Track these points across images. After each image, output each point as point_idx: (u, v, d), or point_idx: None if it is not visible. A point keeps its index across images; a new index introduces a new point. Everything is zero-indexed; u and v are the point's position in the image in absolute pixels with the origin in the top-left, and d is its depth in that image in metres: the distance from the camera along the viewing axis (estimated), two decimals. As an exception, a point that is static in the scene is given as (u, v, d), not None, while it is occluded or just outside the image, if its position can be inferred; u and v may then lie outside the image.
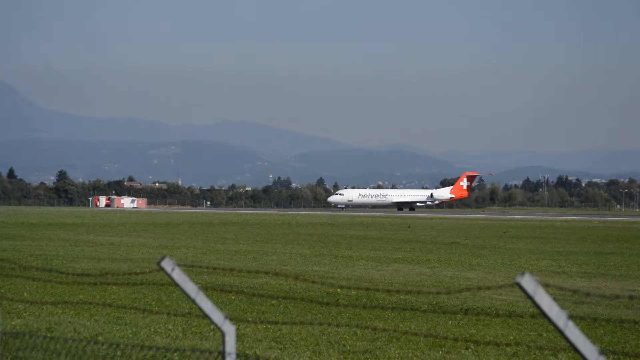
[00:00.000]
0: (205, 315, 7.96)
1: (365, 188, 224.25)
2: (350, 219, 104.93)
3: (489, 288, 7.69)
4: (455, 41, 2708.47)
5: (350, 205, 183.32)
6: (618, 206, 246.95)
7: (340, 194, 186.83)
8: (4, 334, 14.34)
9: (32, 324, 17.58)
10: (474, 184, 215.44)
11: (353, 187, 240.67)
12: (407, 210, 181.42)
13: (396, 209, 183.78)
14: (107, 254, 37.52)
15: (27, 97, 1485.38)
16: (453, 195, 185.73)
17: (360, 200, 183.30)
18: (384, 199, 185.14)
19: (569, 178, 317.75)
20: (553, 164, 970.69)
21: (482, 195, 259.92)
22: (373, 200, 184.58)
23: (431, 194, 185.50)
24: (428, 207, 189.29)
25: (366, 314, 19.61)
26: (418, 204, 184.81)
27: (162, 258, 7.88)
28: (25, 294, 22.39)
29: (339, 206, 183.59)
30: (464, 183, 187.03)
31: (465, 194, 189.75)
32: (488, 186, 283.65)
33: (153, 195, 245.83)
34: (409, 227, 74.25)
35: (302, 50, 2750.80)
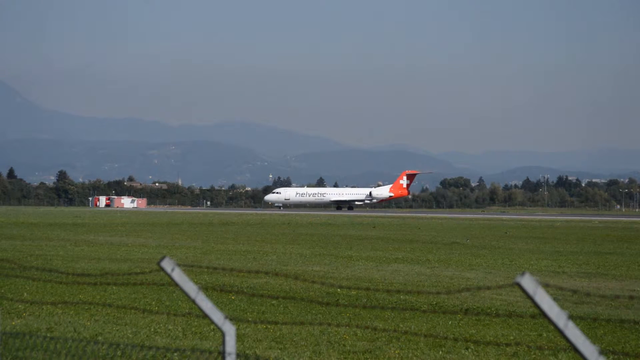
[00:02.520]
0: (205, 315, 7.96)
1: (362, 187, 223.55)
2: (349, 219, 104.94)
3: (489, 288, 7.68)
4: (456, 40, 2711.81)
5: (287, 204, 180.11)
6: (618, 206, 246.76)
7: (277, 193, 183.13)
8: (4, 334, 14.33)
9: (32, 324, 17.58)
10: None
11: (353, 187, 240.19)
12: (346, 209, 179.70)
13: (335, 208, 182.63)
14: (107, 254, 37.51)
15: (27, 97, 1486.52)
16: (392, 194, 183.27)
17: (298, 199, 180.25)
18: (322, 197, 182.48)
19: (569, 178, 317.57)
20: (553, 164, 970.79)
21: (482, 195, 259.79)
22: (311, 199, 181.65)
23: (370, 193, 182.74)
24: (367, 205, 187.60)
25: (366, 314, 19.60)
26: (357, 202, 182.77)
27: (162, 258, 7.87)
28: (25, 294, 22.39)
29: (276, 205, 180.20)
30: (403, 181, 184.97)
31: (405, 192, 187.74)
32: (488, 186, 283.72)
33: (153, 195, 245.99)
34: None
35: (302, 50, 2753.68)
